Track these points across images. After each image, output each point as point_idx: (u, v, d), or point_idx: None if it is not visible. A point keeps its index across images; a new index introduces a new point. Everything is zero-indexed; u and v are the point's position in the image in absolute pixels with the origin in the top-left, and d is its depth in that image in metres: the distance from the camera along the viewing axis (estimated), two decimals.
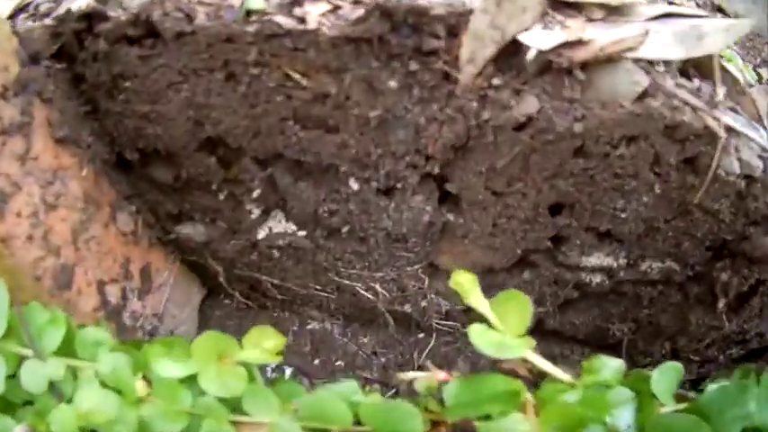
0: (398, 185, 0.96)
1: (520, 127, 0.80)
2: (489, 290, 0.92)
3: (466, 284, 0.71)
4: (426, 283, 1.19)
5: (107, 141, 0.98)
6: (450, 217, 1.01)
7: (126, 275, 1.08)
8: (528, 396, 0.66)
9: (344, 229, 1.09)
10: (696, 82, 0.77)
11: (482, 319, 0.68)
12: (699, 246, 0.92)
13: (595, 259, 1.00)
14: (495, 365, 1.09)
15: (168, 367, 0.77)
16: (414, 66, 0.78)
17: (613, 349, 1.18)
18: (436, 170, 0.90)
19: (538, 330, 1.17)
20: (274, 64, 0.81)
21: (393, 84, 0.81)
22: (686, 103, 0.74)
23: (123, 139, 0.97)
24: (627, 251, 0.98)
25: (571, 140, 0.79)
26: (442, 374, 0.71)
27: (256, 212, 1.13)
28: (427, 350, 1.28)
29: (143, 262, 1.14)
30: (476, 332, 0.66)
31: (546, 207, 0.90)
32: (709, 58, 0.76)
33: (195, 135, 0.94)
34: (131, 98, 0.89)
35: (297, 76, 0.82)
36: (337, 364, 1.30)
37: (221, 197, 1.11)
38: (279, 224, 1.16)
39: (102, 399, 0.76)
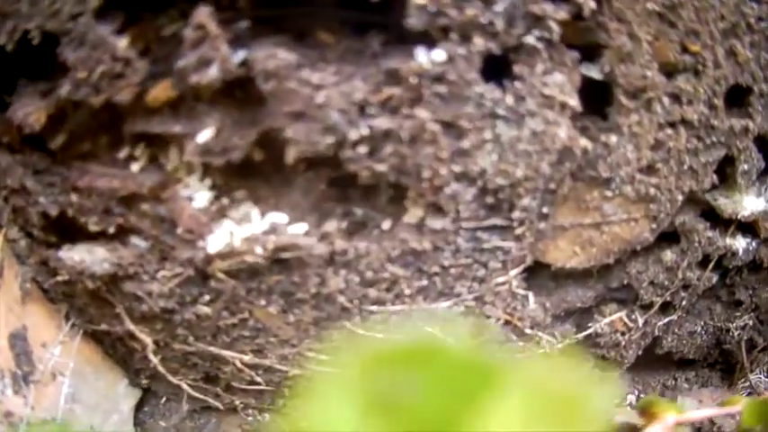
0: (528, 41, 0.61)
1: None
2: (611, 296, 0.90)
3: None
4: (525, 308, 0.83)
5: None
6: (587, 142, 0.71)
7: None
8: None
9: (382, 208, 0.73)
10: None
11: None
12: None
13: (751, 204, 0.84)
14: None
15: None
16: None
17: (725, 362, 1.04)
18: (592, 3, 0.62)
19: (648, 357, 1.00)
20: None
21: None
22: None
23: None
24: None
25: None
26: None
27: (204, 197, 0.72)
28: None
29: (14, 323, 0.81)
30: None
31: (723, 95, 0.73)
32: None
33: None
34: None
35: None
36: None
37: (135, 167, 0.70)
38: (248, 220, 0.73)
39: None
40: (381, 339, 0.26)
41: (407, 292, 0.76)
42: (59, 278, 0.76)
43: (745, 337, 1.00)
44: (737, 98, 0.75)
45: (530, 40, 0.60)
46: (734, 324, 0.97)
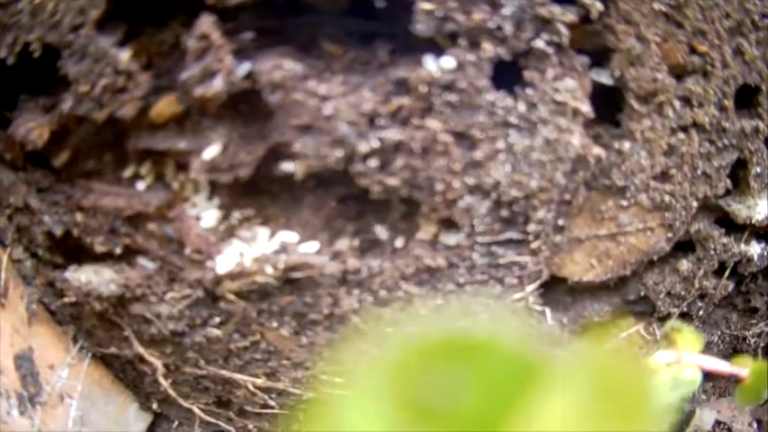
0: (538, 45, 0.60)
1: None
2: (628, 309, 0.88)
3: None
4: (542, 325, 0.82)
5: None
6: (600, 150, 0.69)
7: None
8: None
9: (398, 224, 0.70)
10: None
11: None
12: None
13: (765, 208, 0.82)
14: None
15: None
16: None
17: None
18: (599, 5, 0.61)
19: None
20: None
21: None
22: None
23: None
24: None
25: None
26: None
27: (212, 216, 0.69)
28: None
29: (20, 344, 0.78)
30: None
31: (732, 96, 0.72)
32: None
33: None
34: None
35: None
36: None
37: (141, 186, 0.67)
38: (257, 240, 0.70)
39: None
40: (415, 334, 0.23)
41: (423, 311, 0.73)
42: (66, 300, 0.74)
43: (762, 344, 1.00)
44: (746, 99, 0.74)
45: (539, 44, 0.58)
46: (750, 332, 0.97)
